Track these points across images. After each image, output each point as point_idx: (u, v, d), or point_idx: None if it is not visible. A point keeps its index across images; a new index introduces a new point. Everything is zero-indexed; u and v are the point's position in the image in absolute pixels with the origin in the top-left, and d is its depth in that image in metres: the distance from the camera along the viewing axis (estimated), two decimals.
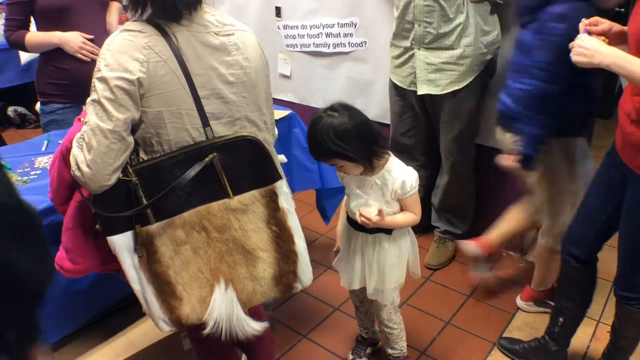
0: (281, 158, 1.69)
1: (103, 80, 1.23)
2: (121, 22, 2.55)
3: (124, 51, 1.24)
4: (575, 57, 1.50)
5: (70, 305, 1.74)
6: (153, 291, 1.35)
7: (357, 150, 1.60)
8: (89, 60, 2.26)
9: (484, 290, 2.51)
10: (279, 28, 3.28)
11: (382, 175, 1.69)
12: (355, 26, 2.94)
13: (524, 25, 1.87)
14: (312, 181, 2.43)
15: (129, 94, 1.23)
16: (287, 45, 3.30)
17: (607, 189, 1.74)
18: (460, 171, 2.58)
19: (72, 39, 2.25)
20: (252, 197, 1.38)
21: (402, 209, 1.74)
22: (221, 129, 1.35)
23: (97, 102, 1.23)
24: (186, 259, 1.35)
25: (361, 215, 1.66)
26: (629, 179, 1.62)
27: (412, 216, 1.73)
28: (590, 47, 1.46)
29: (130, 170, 1.29)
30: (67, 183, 1.41)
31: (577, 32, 1.54)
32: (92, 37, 2.30)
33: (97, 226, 1.37)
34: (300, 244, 1.46)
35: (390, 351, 2.00)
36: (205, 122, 1.32)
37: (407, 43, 2.38)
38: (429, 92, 2.38)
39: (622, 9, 2.77)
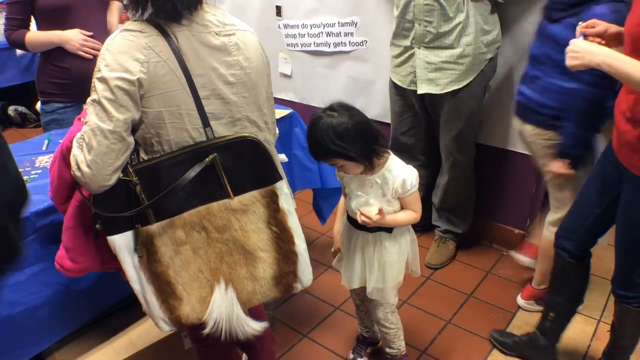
0: (282, 157, 1.69)
1: (103, 80, 1.23)
2: (122, 21, 2.56)
3: (124, 51, 1.24)
4: (568, 61, 1.51)
5: (71, 305, 1.74)
6: (153, 291, 1.35)
7: (358, 149, 1.60)
8: (91, 57, 2.26)
9: (484, 289, 2.52)
10: (279, 27, 3.28)
11: (382, 174, 1.69)
12: (355, 25, 2.94)
13: (557, 19, 1.87)
14: (312, 181, 2.43)
15: (129, 95, 1.23)
16: (288, 45, 3.29)
17: (602, 184, 1.75)
18: (460, 170, 2.58)
19: (73, 37, 2.25)
20: (252, 198, 1.37)
21: (402, 208, 1.74)
22: (222, 130, 1.35)
23: (97, 102, 1.23)
24: (186, 259, 1.35)
25: (362, 214, 1.66)
26: (625, 177, 1.63)
27: (412, 214, 1.73)
28: (579, 48, 1.48)
29: (131, 170, 1.29)
30: (67, 182, 1.41)
31: None
32: (91, 34, 2.30)
33: (97, 226, 1.37)
34: (301, 245, 1.45)
35: (388, 350, 2.00)
36: (205, 122, 1.32)
37: (407, 42, 2.38)
38: (429, 92, 2.38)
39: None
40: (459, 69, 2.30)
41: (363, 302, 2.03)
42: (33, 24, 2.36)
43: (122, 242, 1.33)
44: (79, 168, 1.25)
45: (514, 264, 2.68)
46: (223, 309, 1.36)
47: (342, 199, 1.89)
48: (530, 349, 2.08)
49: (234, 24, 1.38)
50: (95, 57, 2.15)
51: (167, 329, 1.40)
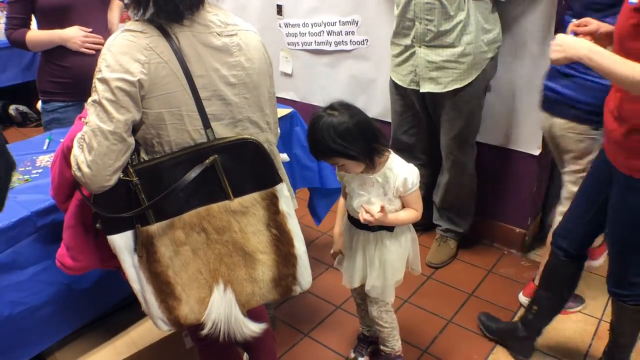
0: (283, 157, 1.68)
1: (104, 81, 1.23)
2: (123, 20, 2.56)
3: (125, 52, 1.23)
4: (552, 55, 1.51)
5: (72, 305, 1.74)
6: (152, 291, 1.35)
7: (359, 148, 1.59)
8: (94, 52, 2.26)
9: (485, 288, 2.52)
10: (280, 26, 3.28)
11: (383, 173, 1.69)
12: (357, 24, 2.94)
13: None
14: (311, 180, 2.43)
15: (130, 95, 1.23)
16: (289, 44, 3.29)
17: (596, 184, 1.75)
18: (461, 169, 2.57)
19: (73, 35, 2.25)
20: (252, 200, 1.37)
21: (403, 206, 1.74)
22: (223, 131, 1.35)
23: (98, 103, 1.23)
24: (185, 259, 1.35)
25: (365, 211, 1.66)
26: (614, 176, 1.63)
27: (414, 213, 1.73)
28: (562, 42, 1.48)
29: (131, 170, 1.29)
30: (68, 181, 1.41)
31: None
32: (90, 30, 2.30)
33: (98, 225, 1.38)
34: (300, 247, 1.45)
35: (382, 347, 2.00)
36: (206, 123, 1.32)
37: (407, 41, 2.38)
38: (431, 90, 2.37)
39: None
40: (461, 68, 2.30)
41: (364, 300, 2.02)
42: (34, 23, 2.36)
43: (122, 242, 1.33)
44: (79, 168, 1.25)
45: (515, 262, 2.69)
46: (221, 310, 1.36)
47: (341, 200, 1.89)
48: (510, 338, 2.11)
49: (236, 24, 1.38)
50: (97, 52, 2.15)
51: (165, 328, 1.40)
